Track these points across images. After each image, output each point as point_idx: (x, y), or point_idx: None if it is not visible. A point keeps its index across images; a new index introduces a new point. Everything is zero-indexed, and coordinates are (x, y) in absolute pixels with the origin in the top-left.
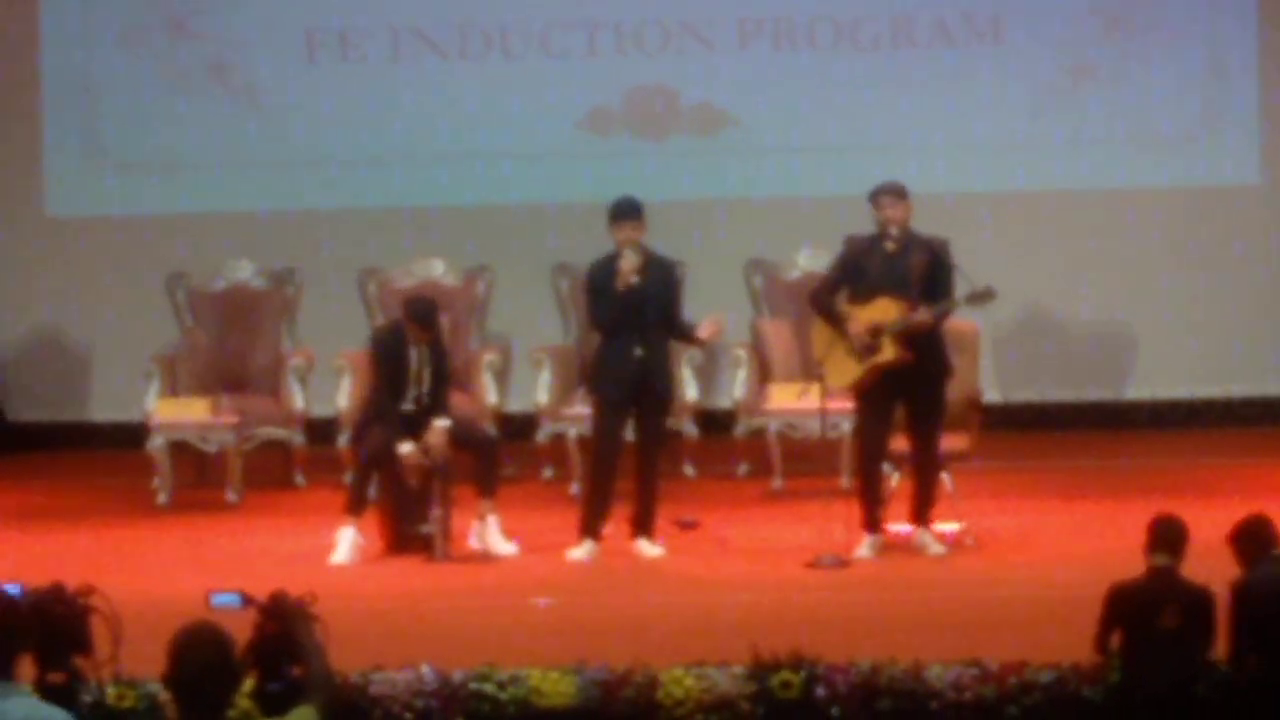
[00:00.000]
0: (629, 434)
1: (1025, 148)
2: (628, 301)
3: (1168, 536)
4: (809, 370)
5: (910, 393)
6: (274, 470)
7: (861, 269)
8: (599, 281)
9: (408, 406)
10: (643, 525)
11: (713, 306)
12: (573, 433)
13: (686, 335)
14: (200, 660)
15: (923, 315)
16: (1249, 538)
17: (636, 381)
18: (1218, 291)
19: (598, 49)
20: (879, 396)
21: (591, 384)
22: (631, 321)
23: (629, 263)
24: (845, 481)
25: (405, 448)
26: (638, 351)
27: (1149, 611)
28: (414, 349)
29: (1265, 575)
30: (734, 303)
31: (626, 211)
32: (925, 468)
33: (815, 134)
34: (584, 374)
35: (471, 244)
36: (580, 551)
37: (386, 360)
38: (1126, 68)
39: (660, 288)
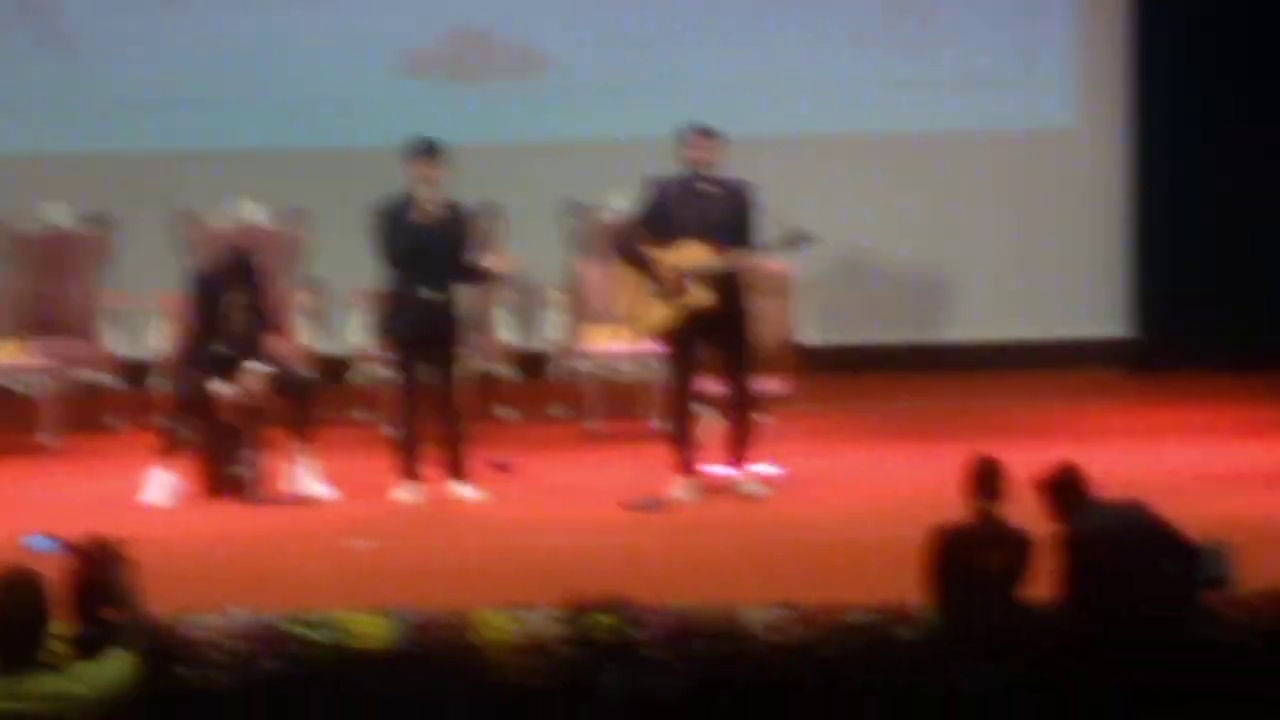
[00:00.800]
0: (433, 375)
1: (842, 89)
2: (420, 239)
3: (989, 480)
4: (624, 313)
5: (717, 335)
6: (87, 413)
7: (667, 210)
8: (391, 219)
9: (223, 349)
10: (454, 468)
11: (529, 249)
12: (386, 375)
13: (475, 270)
14: (12, 604)
15: (732, 259)
16: (1062, 488)
17: (426, 323)
18: (1035, 235)
19: None
20: (687, 339)
21: (386, 326)
22: (423, 261)
23: (426, 196)
24: (658, 424)
25: (220, 387)
26: (424, 292)
27: (973, 555)
28: (230, 293)
29: (1095, 524)
30: (550, 245)
31: (422, 150)
32: (737, 409)
33: (632, 75)
34: (378, 318)
35: (287, 187)
36: (405, 492)
37: (202, 303)
38: (944, 8)
39: (455, 228)
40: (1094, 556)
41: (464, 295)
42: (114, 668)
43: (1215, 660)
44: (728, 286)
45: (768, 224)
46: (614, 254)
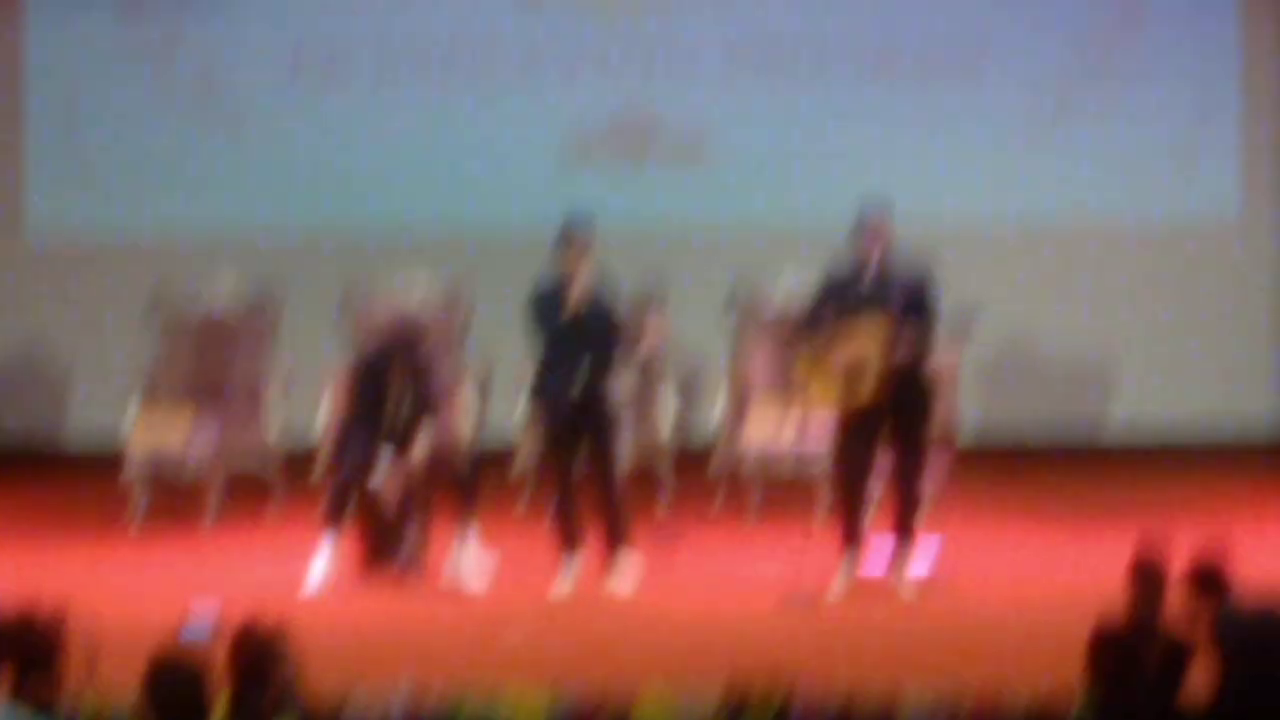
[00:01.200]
0: (589, 460)
1: (1006, 181)
2: (571, 329)
3: (1151, 577)
4: (789, 399)
5: (890, 429)
6: (251, 494)
7: (843, 297)
8: (543, 306)
9: (386, 432)
10: (614, 544)
11: (694, 335)
12: (548, 443)
13: (631, 350)
14: (173, 693)
15: (903, 351)
16: (1204, 581)
17: (575, 405)
18: (1197, 324)
19: (580, 74)
20: (858, 432)
21: (537, 391)
22: (572, 344)
23: (576, 289)
24: (820, 521)
25: (384, 465)
26: (577, 376)
27: (1132, 655)
28: (393, 375)
29: (1242, 623)
30: (716, 331)
31: (575, 236)
32: (904, 504)
33: (798, 161)
34: (530, 405)
35: (452, 268)
36: (566, 579)
37: (365, 384)
38: (1109, 103)
39: (603, 313)
40: (1240, 659)
41: (623, 382)
42: None
43: None
44: (904, 379)
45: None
46: (792, 343)
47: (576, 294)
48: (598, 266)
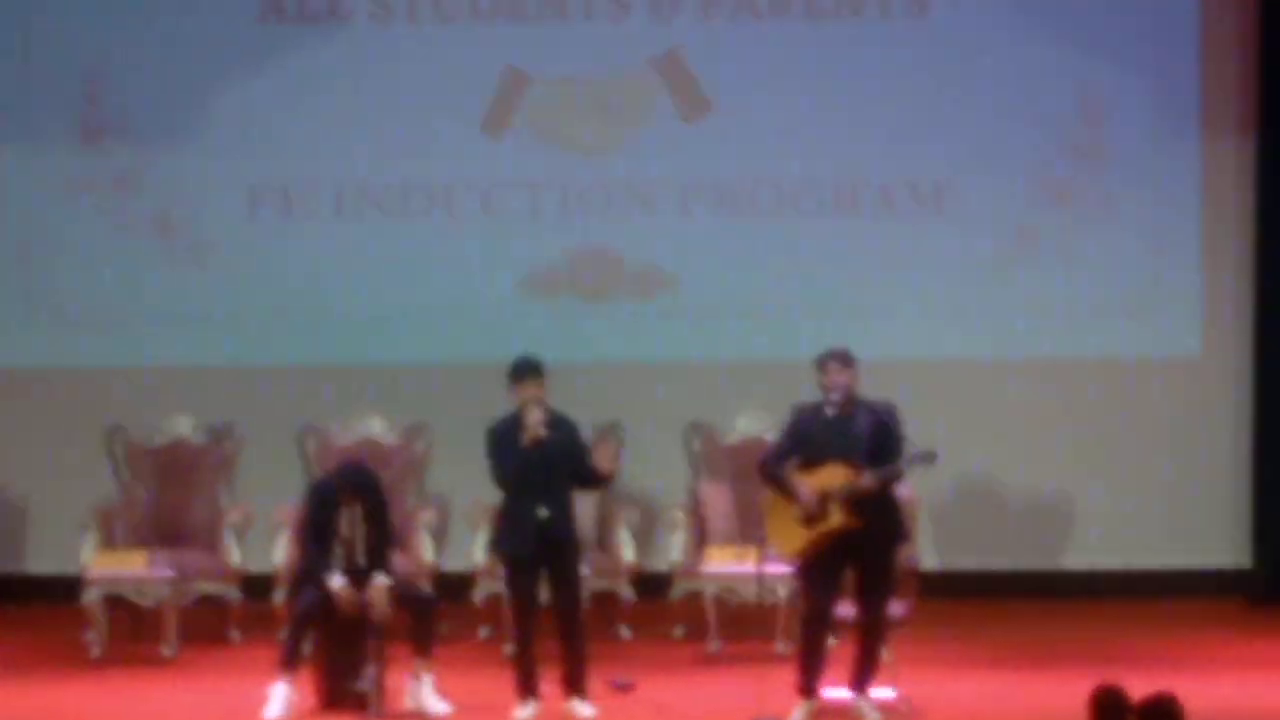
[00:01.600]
0: (553, 595)
1: (967, 316)
2: (531, 459)
3: (1111, 713)
4: (747, 533)
5: (859, 558)
6: (210, 625)
7: (809, 435)
8: (502, 439)
9: (341, 565)
10: (574, 685)
11: (652, 470)
12: (509, 592)
13: (592, 474)
14: None
15: (868, 480)
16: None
17: (542, 540)
18: (1156, 463)
19: (540, 210)
20: (827, 562)
21: (497, 544)
22: (536, 479)
23: (535, 416)
24: (781, 646)
25: (336, 583)
26: (542, 511)
27: None
28: (345, 508)
29: None
30: (673, 465)
31: (528, 370)
32: (871, 634)
33: (757, 298)
34: (492, 537)
35: (411, 403)
36: (524, 712)
37: (318, 516)
38: (1069, 239)
39: (565, 444)
40: None
41: (583, 513)
42: None
43: None
44: (874, 509)
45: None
46: (759, 478)
47: (535, 426)
48: (550, 397)
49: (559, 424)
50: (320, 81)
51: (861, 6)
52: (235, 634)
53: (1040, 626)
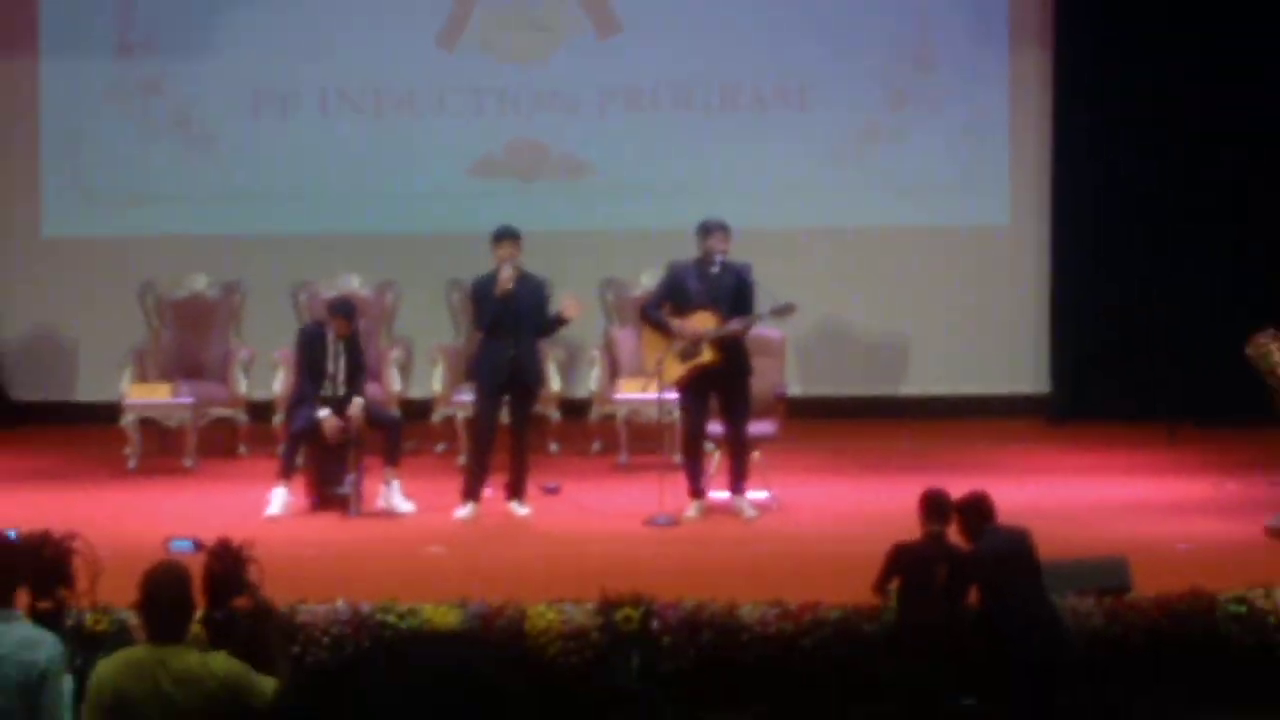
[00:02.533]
0: (503, 417)
1: (825, 193)
2: (504, 307)
3: (938, 508)
4: (649, 366)
5: (722, 387)
6: (222, 442)
7: (682, 287)
8: (481, 291)
9: (327, 391)
10: (515, 490)
11: (574, 319)
12: (460, 415)
13: (553, 323)
14: (165, 592)
15: (736, 325)
16: (970, 512)
17: (508, 374)
18: (975, 310)
19: (484, 110)
20: (698, 389)
21: (472, 375)
22: (506, 324)
23: (506, 273)
24: (677, 458)
25: (324, 413)
26: (510, 351)
27: (924, 567)
28: (331, 343)
29: (991, 546)
30: (591, 315)
31: (504, 235)
32: (737, 447)
33: (657, 180)
34: (468, 368)
35: (382, 264)
36: (464, 511)
37: (308, 352)
38: (905, 132)
39: (531, 297)
40: (987, 572)
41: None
42: (231, 664)
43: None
44: (730, 348)
45: (763, 299)
46: (642, 321)
47: (506, 280)
48: (521, 258)
49: (528, 280)
50: (308, 5)
51: None
52: (243, 449)
53: (882, 441)
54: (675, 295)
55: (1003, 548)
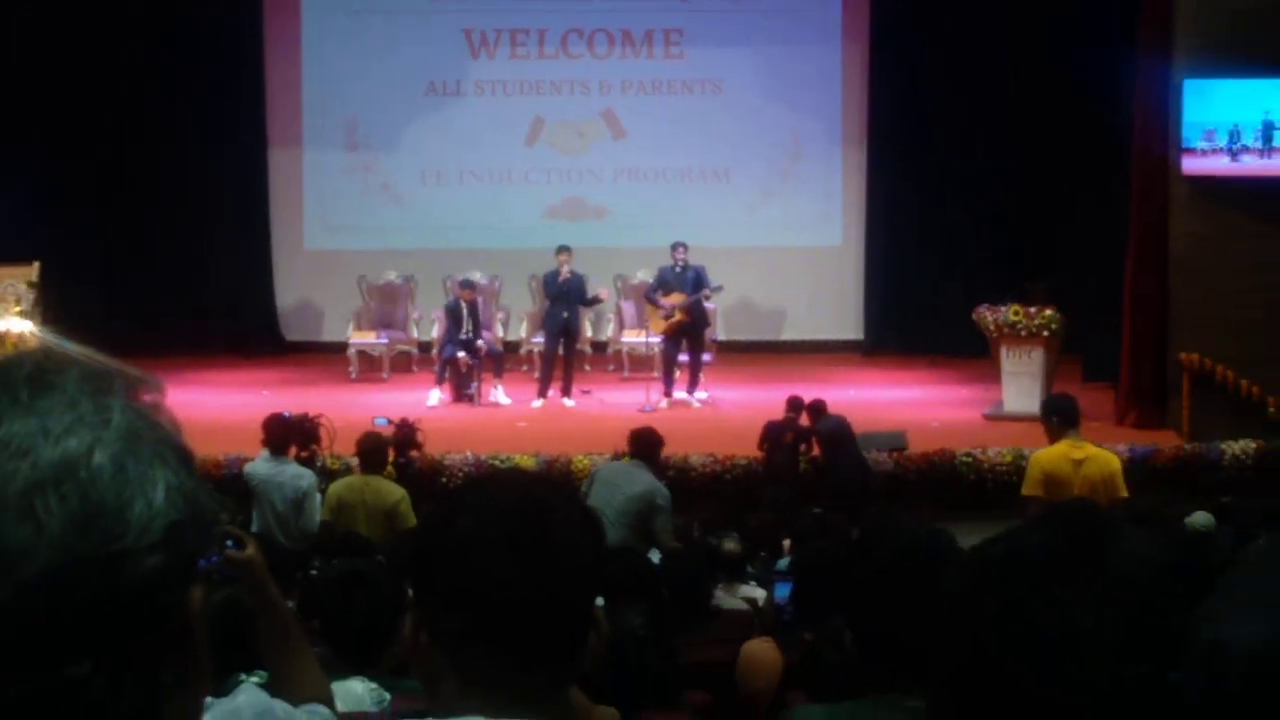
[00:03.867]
0: (560, 351)
1: (741, 228)
2: (561, 289)
3: (794, 404)
4: (641, 323)
5: (688, 334)
6: (403, 364)
7: (665, 279)
8: (550, 280)
9: (463, 336)
10: (566, 391)
11: (604, 299)
12: (535, 350)
13: (591, 300)
14: (371, 445)
15: (693, 299)
16: (814, 409)
17: (563, 327)
18: (822, 290)
19: (550, 180)
20: (673, 336)
21: (542, 327)
22: (562, 299)
23: (564, 270)
24: (657, 374)
25: (460, 351)
26: (565, 314)
27: (781, 434)
28: (464, 308)
29: (827, 425)
30: (610, 296)
31: (562, 249)
32: (694, 367)
33: (647, 219)
34: (540, 323)
35: (493, 265)
36: (537, 403)
37: (451, 313)
38: (787, 193)
39: (577, 284)
40: (822, 440)
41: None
42: (401, 492)
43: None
44: (693, 312)
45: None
46: (645, 299)
47: (564, 274)
48: (573, 262)
49: (575, 275)
50: (449, 121)
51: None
52: (415, 368)
53: (764, 368)
54: (661, 284)
55: (832, 425)
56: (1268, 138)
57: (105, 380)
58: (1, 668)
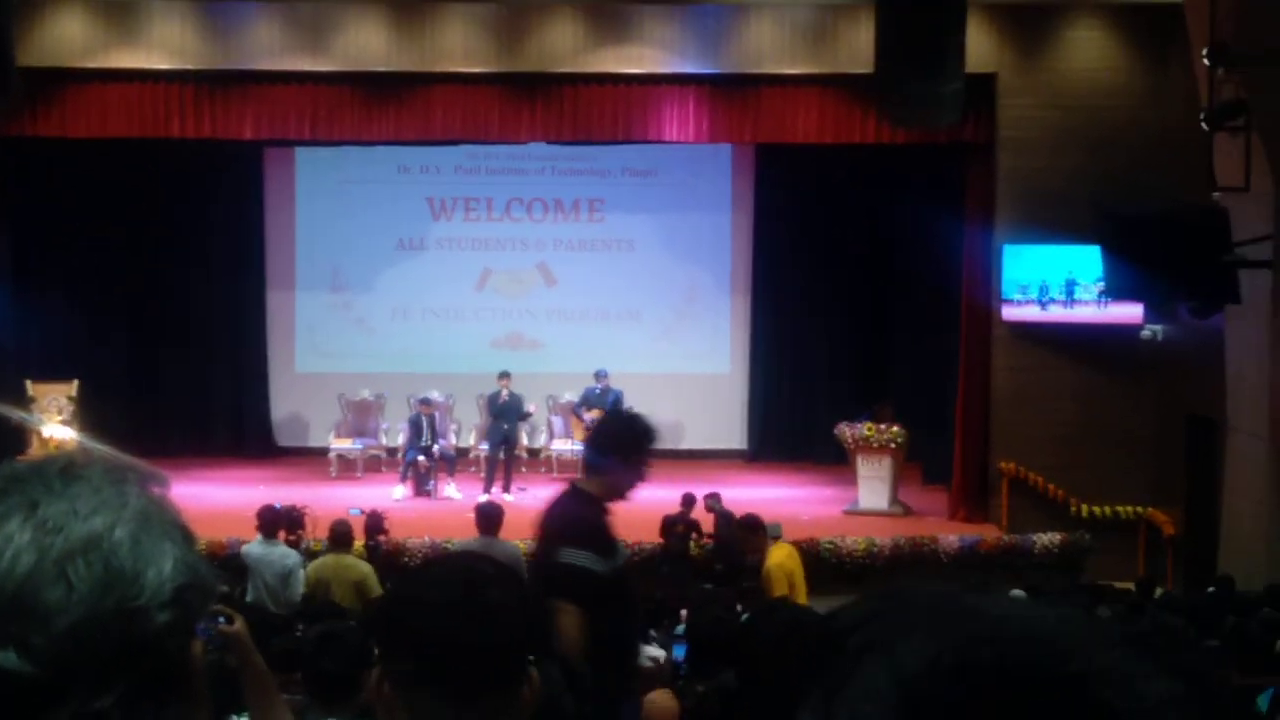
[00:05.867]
0: (501, 455)
1: (646, 358)
2: (502, 407)
3: (686, 500)
4: (570, 433)
5: None
6: (374, 465)
7: (588, 400)
8: (492, 399)
9: (423, 443)
10: (506, 488)
11: (534, 413)
12: (482, 454)
13: (525, 414)
14: (341, 530)
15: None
16: (712, 499)
17: (503, 436)
18: (712, 407)
19: (495, 318)
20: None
21: (486, 437)
22: (503, 415)
23: (504, 392)
24: (580, 474)
25: (420, 457)
26: (504, 426)
27: (673, 526)
28: (424, 420)
29: (721, 515)
30: (543, 410)
31: (503, 374)
32: None
33: (573, 351)
34: (485, 433)
35: (447, 386)
36: (483, 497)
37: (413, 424)
38: (682, 330)
39: (515, 402)
40: (719, 521)
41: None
42: (368, 570)
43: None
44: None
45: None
46: (572, 414)
47: (503, 395)
48: (511, 385)
49: (513, 395)
50: (415, 270)
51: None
52: (383, 469)
53: (666, 471)
54: (585, 402)
55: (724, 510)
56: (1070, 292)
57: (123, 473)
58: (40, 702)
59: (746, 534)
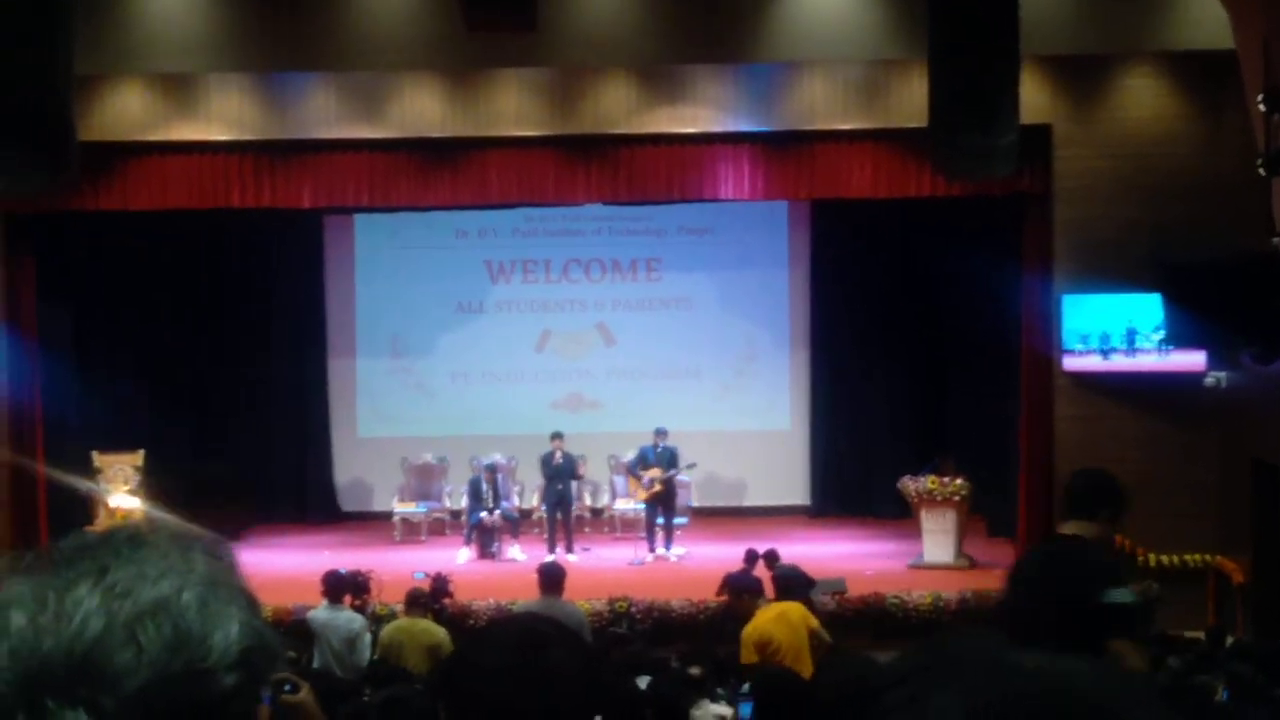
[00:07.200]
0: (559, 515)
1: (707, 415)
2: (557, 470)
3: (750, 556)
4: (635, 494)
5: (664, 501)
6: (437, 529)
7: (645, 458)
8: (547, 460)
9: (486, 506)
10: (569, 548)
11: (594, 475)
12: (541, 514)
13: (579, 477)
14: (416, 596)
15: (669, 474)
16: (770, 556)
17: (559, 497)
18: (773, 465)
19: (555, 379)
20: (653, 503)
21: (545, 498)
22: (559, 475)
23: (557, 454)
24: (642, 534)
25: (484, 515)
26: (559, 486)
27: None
28: (486, 483)
29: (780, 571)
30: (604, 471)
31: (557, 434)
32: (669, 527)
33: (633, 410)
34: (543, 495)
35: (508, 448)
36: (548, 558)
37: (475, 487)
38: (743, 388)
39: (569, 463)
40: (779, 585)
41: (575, 485)
42: (441, 632)
43: None
44: (668, 484)
45: (682, 460)
46: (628, 473)
47: (557, 457)
48: (565, 446)
49: (568, 456)
50: (478, 333)
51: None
52: (447, 532)
53: (730, 529)
54: (642, 460)
55: (785, 570)
56: (1131, 340)
57: (189, 540)
58: None
59: (733, 596)
